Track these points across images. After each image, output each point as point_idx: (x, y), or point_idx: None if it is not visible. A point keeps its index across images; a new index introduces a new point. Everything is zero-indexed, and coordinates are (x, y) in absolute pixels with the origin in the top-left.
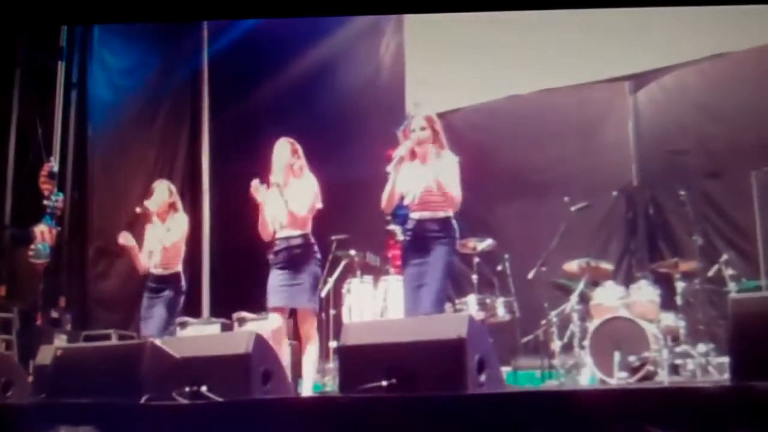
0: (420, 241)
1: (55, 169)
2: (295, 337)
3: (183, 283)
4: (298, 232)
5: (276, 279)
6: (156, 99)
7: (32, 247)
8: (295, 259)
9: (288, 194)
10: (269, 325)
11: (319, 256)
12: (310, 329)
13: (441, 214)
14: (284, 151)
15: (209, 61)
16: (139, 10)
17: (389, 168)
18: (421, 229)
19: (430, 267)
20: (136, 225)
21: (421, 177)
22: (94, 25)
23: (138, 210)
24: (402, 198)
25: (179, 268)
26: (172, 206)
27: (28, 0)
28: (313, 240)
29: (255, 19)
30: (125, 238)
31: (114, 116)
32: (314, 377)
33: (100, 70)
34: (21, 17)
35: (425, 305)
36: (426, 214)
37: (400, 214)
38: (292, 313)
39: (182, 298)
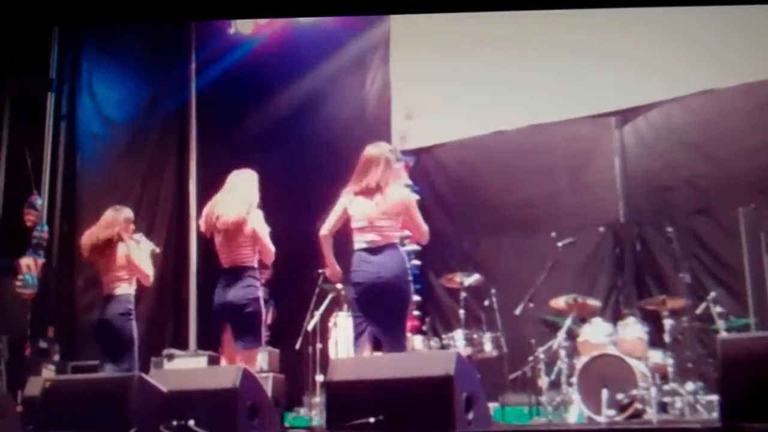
0: None
1: (39, 201)
2: (282, 370)
3: None
4: None
5: None
6: (144, 131)
7: (19, 277)
8: None
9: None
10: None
11: None
12: None
13: None
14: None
15: (197, 93)
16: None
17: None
18: None
19: None
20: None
21: None
22: (83, 57)
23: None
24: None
25: None
26: None
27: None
28: None
29: (247, 19)
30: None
31: (103, 148)
32: None
33: (90, 101)
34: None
35: None
36: None
37: None
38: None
39: None
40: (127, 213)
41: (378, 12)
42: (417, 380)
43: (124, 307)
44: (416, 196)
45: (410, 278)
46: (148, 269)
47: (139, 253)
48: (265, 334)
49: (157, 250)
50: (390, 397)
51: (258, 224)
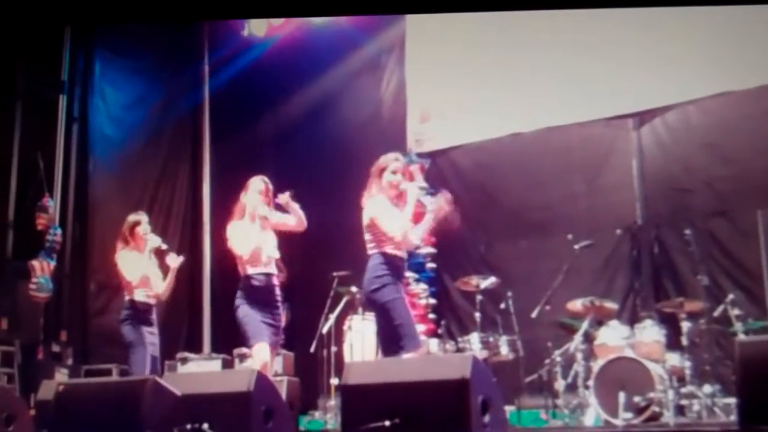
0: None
1: (50, 203)
2: (296, 373)
3: None
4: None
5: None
6: (156, 133)
7: (34, 281)
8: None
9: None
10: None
11: None
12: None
13: None
14: (261, 187)
15: (210, 95)
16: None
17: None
18: None
19: None
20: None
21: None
22: (96, 59)
23: (164, 247)
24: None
25: None
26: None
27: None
28: None
29: (259, 18)
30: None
31: (115, 150)
32: None
33: (102, 104)
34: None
35: None
36: None
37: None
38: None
39: None
40: (130, 219)
41: (392, 12)
42: (433, 383)
43: (121, 313)
44: (425, 197)
45: (377, 286)
46: (130, 275)
47: (125, 261)
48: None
49: (164, 246)
50: (405, 401)
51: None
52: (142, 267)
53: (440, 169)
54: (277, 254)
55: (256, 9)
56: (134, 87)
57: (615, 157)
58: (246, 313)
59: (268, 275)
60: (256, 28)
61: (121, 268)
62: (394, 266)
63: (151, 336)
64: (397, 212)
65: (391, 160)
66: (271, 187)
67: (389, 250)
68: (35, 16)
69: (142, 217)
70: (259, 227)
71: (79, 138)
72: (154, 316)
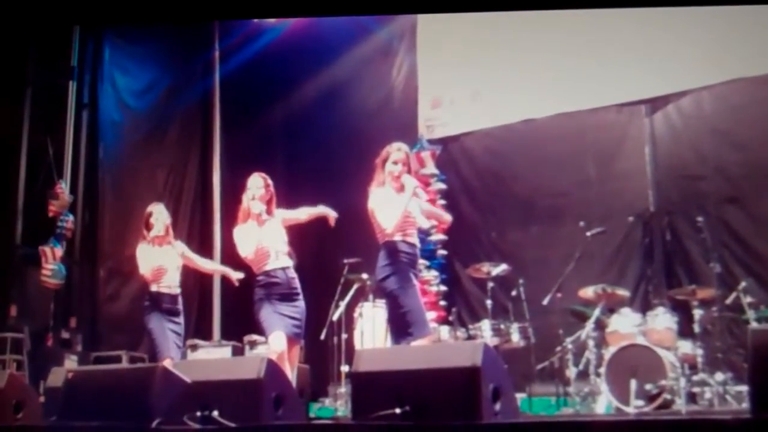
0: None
1: (61, 189)
2: (307, 360)
3: None
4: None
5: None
6: (166, 119)
7: (49, 267)
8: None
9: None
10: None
11: None
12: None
13: None
14: (260, 183)
15: (221, 81)
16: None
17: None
18: None
19: None
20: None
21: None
22: (105, 45)
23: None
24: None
25: None
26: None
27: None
28: None
29: (265, 18)
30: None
31: (125, 136)
32: None
33: (111, 90)
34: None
35: None
36: None
37: (426, 249)
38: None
39: None
40: (146, 210)
41: (398, 12)
42: (443, 371)
43: (144, 303)
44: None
45: (385, 274)
46: (143, 268)
47: (140, 253)
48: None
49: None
50: (416, 388)
51: None
52: (156, 259)
53: (452, 155)
54: (285, 248)
55: (264, 9)
56: (144, 73)
57: (627, 144)
58: (263, 307)
59: (283, 269)
60: None
61: (137, 260)
62: (403, 254)
63: (175, 325)
64: (397, 203)
65: (393, 150)
66: (270, 181)
67: (397, 238)
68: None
69: (155, 207)
70: (260, 225)
71: (89, 124)
72: (178, 306)
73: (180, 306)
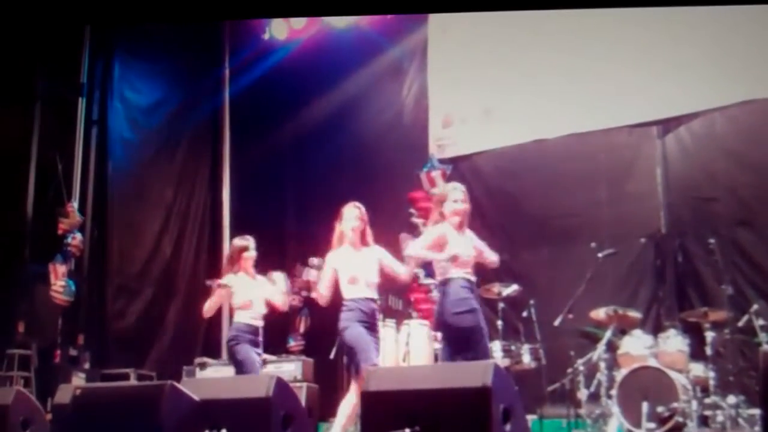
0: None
1: (70, 208)
2: (315, 380)
3: None
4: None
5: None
6: (176, 137)
7: (60, 283)
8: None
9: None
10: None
11: None
12: None
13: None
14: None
15: (230, 99)
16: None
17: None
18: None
19: None
20: (153, 264)
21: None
22: (115, 62)
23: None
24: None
25: None
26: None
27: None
28: None
29: (274, 18)
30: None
31: (134, 153)
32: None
33: (121, 106)
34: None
35: None
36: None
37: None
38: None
39: None
40: (236, 243)
41: (413, 11)
42: (454, 391)
43: (230, 334)
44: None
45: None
46: (235, 299)
47: (237, 286)
48: (299, 343)
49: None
50: (426, 408)
51: None
52: (246, 291)
53: (462, 175)
54: (375, 279)
55: (276, 8)
56: (154, 90)
57: (639, 165)
58: (356, 329)
59: (368, 299)
60: (277, 31)
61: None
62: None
63: (258, 356)
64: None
65: (449, 189)
66: (364, 211)
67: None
68: (55, 17)
69: (250, 242)
70: (356, 253)
71: (98, 141)
72: (260, 338)
73: (260, 338)
